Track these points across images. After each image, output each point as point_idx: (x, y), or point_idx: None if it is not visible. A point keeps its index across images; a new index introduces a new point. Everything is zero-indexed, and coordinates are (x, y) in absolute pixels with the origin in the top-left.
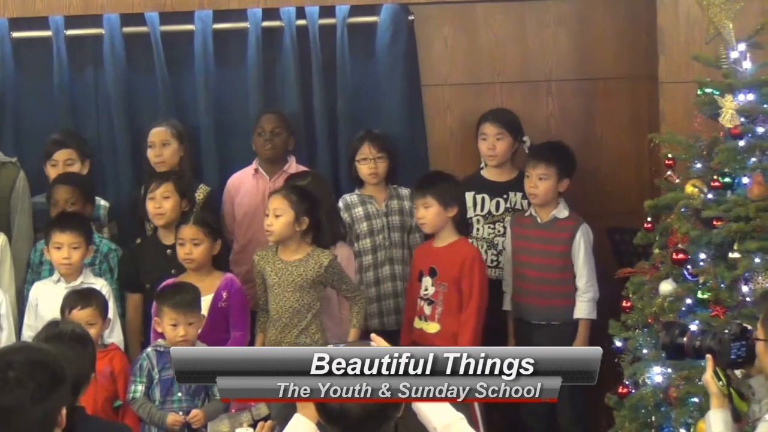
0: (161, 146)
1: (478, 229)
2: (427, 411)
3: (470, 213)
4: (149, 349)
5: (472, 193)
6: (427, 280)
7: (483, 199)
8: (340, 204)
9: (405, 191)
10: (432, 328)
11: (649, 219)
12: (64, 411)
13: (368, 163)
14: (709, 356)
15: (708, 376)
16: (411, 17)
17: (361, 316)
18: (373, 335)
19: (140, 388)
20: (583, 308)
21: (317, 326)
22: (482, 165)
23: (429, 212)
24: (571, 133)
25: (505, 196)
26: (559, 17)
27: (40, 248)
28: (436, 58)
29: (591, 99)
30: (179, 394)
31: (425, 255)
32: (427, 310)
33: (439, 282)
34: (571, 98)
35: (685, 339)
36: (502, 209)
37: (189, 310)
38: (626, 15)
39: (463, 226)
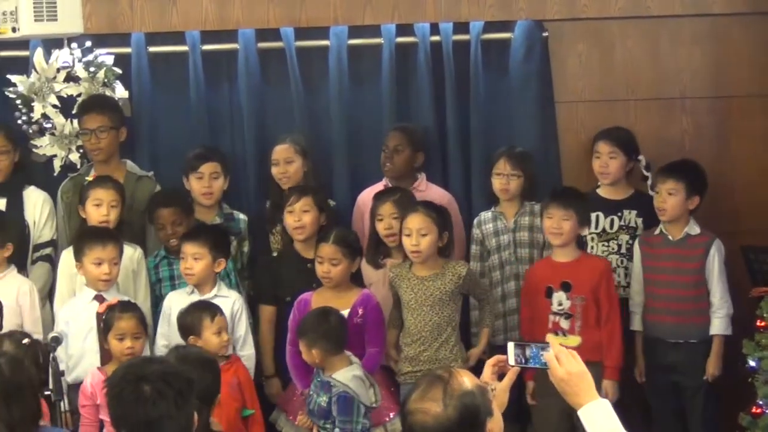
0: (285, 163)
1: (592, 247)
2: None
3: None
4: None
5: None
6: (560, 295)
7: (597, 217)
8: (474, 220)
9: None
10: (573, 341)
11: None
12: (195, 415)
13: (501, 179)
14: None
15: None
16: (545, 34)
17: (492, 316)
18: (549, 336)
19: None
20: (719, 324)
21: (456, 338)
22: (599, 183)
23: (567, 225)
24: (706, 150)
25: (619, 213)
26: (694, 34)
27: (151, 266)
28: (570, 75)
29: (725, 117)
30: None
31: (550, 271)
32: (565, 324)
33: (575, 295)
34: (706, 116)
35: None
36: (616, 227)
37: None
38: (762, 32)
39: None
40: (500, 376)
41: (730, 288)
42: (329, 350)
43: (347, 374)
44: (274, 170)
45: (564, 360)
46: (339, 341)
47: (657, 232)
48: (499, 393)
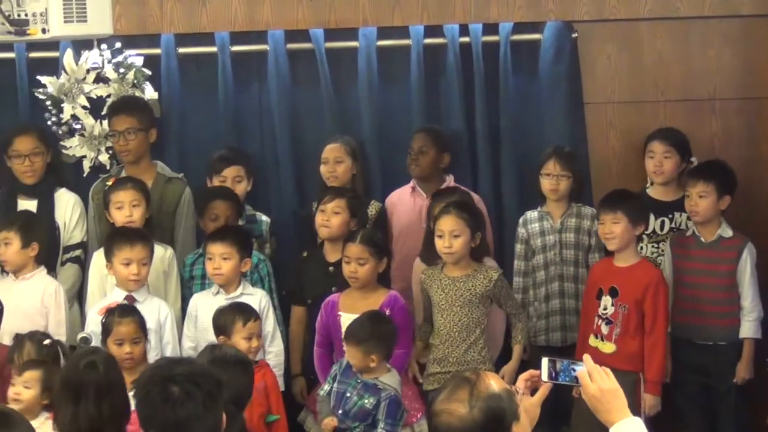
0: (335, 163)
1: (641, 248)
2: None
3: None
4: (345, 358)
5: None
6: (606, 300)
7: (648, 218)
8: (520, 219)
9: (587, 210)
10: (608, 348)
11: None
12: (224, 416)
13: (551, 179)
14: None
15: None
16: (574, 35)
17: (524, 333)
18: (585, 355)
19: (327, 387)
20: (749, 328)
21: (484, 341)
22: (648, 184)
23: (617, 228)
24: (735, 152)
25: (670, 215)
26: (724, 36)
27: (188, 263)
28: (600, 76)
29: (755, 118)
30: (339, 412)
31: (605, 273)
32: (605, 329)
33: (620, 302)
34: (735, 117)
35: None
36: (666, 229)
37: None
38: None
39: None
40: (533, 391)
41: (761, 289)
42: (387, 355)
43: (394, 378)
44: (323, 168)
45: (597, 377)
46: (393, 346)
47: (689, 233)
48: (531, 408)
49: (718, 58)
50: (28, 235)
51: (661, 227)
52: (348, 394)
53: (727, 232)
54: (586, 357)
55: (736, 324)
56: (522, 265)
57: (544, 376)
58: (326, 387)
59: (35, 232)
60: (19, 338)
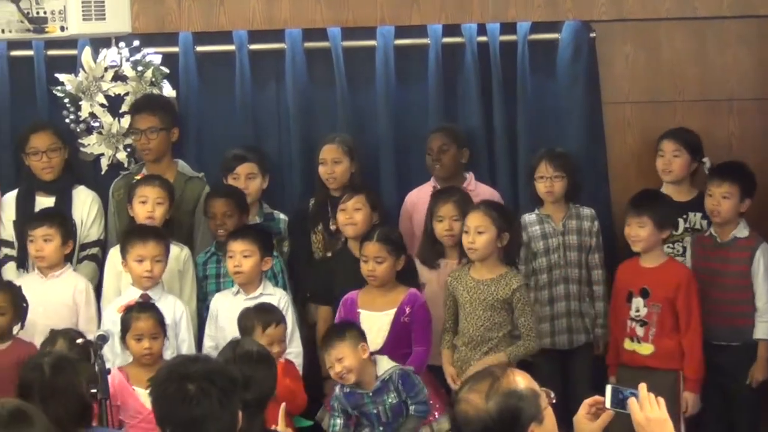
0: (333, 163)
1: None
2: None
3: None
4: (337, 391)
5: None
6: (638, 301)
7: (676, 222)
8: None
9: (586, 211)
10: (646, 349)
11: None
12: (240, 413)
13: (545, 182)
14: None
15: None
16: (592, 34)
17: (519, 353)
18: (641, 384)
19: (339, 422)
20: (764, 328)
21: (506, 344)
22: (663, 185)
23: (643, 232)
24: (752, 152)
25: (684, 216)
26: (741, 35)
27: (200, 262)
28: (617, 76)
29: None
30: (380, 429)
31: (633, 275)
32: (640, 331)
33: (652, 303)
34: (753, 117)
35: None
36: (681, 229)
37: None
38: None
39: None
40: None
41: None
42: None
43: (384, 361)
44: (321, 170)
45: (646, 406)
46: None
47: (707, 233)
48: None
49: (735, 58)
50: (66, 233)
51: (676, 227)
52: (374, 411)
53: (743, 232)
54: (642, 386)
55: (750, 325)
56: (523, 268)
57: (608, 403)
58: (339, 422)
59: (70, 230)
60: (53, 334)
